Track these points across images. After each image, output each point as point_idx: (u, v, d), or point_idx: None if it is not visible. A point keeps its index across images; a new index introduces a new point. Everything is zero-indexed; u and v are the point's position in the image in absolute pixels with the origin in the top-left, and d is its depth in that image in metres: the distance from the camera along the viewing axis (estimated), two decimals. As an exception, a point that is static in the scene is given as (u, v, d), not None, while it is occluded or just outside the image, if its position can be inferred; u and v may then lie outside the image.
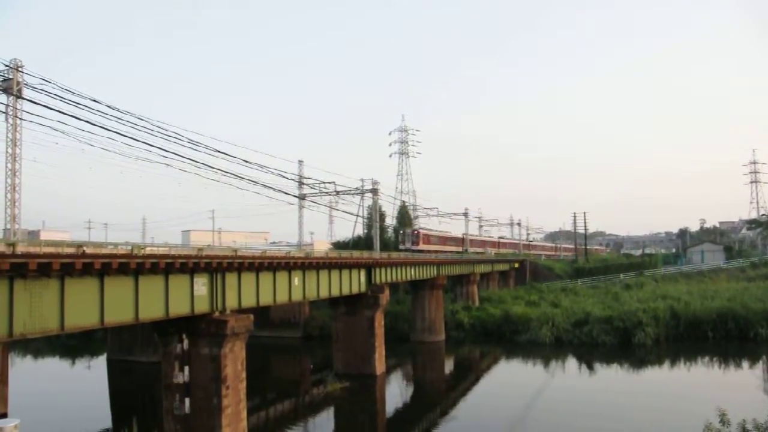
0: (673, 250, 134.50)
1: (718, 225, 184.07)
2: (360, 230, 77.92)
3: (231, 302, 27.67)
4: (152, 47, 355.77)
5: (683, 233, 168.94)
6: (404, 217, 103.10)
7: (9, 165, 21.04)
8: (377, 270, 45.24)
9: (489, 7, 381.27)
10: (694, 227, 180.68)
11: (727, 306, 57.52)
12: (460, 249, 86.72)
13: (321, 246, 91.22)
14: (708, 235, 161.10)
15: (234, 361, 26.61)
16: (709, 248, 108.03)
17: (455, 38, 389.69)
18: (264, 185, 34.81)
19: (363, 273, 43.26)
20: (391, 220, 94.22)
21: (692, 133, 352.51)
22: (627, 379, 44.33)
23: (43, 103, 20.54)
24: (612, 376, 45.69)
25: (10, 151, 20.76)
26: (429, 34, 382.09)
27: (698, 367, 48.44)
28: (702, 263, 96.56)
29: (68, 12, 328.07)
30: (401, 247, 71.84)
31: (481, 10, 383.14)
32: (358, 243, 75.22)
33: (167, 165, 26.18)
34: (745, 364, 48.16)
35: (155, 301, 23.24)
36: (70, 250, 20.30)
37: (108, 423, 34.77)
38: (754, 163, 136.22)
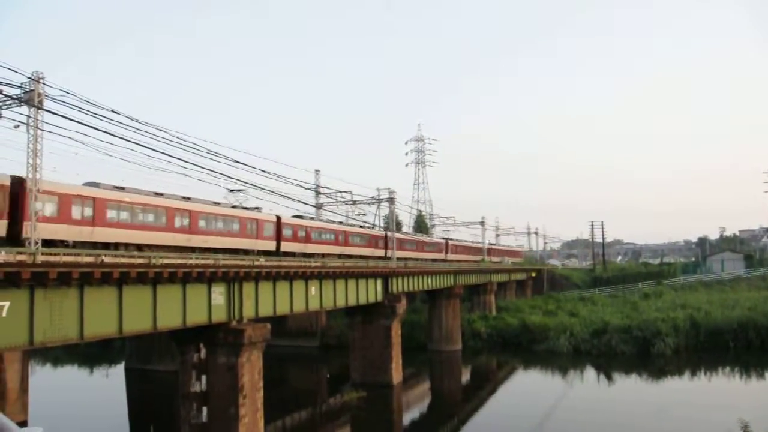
0: (693, 259, 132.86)
1: (738, 233, 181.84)
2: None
3: (248, 311, 27.77)
4: (155, 51, 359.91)
5: (702, 242, 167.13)
6: (421, 225, 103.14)
7: (30, 175, 21.28)
8: (394, 279, 45.20)
9: (506, 12, 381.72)
10: (714, 235, 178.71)
11: (748, 315, 56.68)
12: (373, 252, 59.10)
13: None
14: (728, 243, 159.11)
15: (251, 370, 26.67)
16: (729, 257, 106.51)
17: (471, 47, 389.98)
18: (282, 195, 34.87)
19: (380, 282, 43.24)
20: (407, 229, 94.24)
21: (712, 140, 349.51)
22: (646, 389, 43.83)
23: (64, 114, 20.78)
24: (631, 386, 45.21)
25: (31, 161, 21.01)
26: (445, 42, 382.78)
27: (719, 377, 47.82)
28: (722, 272, 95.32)
29: (67, 15, 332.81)
30: None
31: (497, 15, 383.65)
32: None
33: (186, 175, 26.30)
34: (768, 374, 47.51)
35: (173, 310, 23.39)
36: (89, 260, 20.53)
37: (126, 431, 34.97)
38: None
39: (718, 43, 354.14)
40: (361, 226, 57.86)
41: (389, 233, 59.97)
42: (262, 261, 32.26)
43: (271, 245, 40.82)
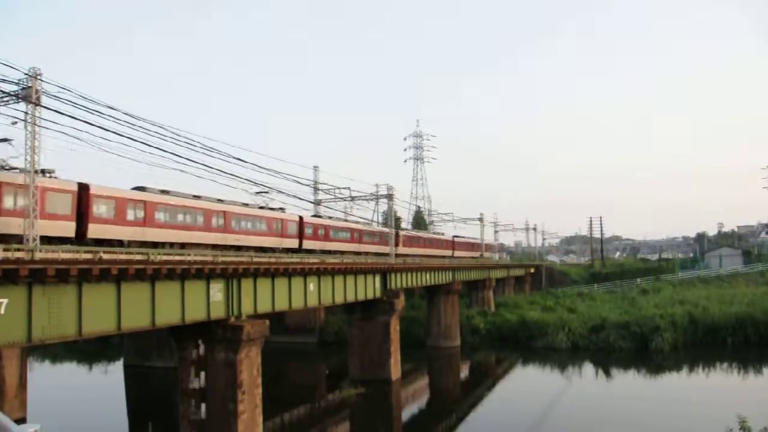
0: (691, 255, 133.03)
1: (736, 229, 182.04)
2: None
3: (247, 308, 27.76)
4: (156, 49, 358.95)
5: (701, 237, 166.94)
6: (419, 222, 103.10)
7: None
8: (392, 275, 45.19)
9: (507, 10, 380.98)
10: (712, 231, 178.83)
11: (746, 311, 56.77)
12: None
13: None
14: (726, 239, 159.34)
15: (250, 366, 26.67)
16: (727, 252, 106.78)
17: (470, 45, 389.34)
18: (279, 191, 34.78)
19: (378, 278, 43.23)
20: (406, 225, 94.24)
21: (710, 136, 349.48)
22: (644, 384, 43.90)
23: (61, 111, 20.71)
24: (629, 381, 45.31)
25: (29, 158, 20.96)
26: (446, 38, 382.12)
27: (717, 373, 47.87)
28: (720, 268, 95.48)
29: (67, 13, 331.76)
30: None
31: (498, 13, 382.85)
32: None
33: (182, 171, 26.20)
34: (766, 370, 47.54)
35: (171, 306, 23.36)
36: (87, 256, 20.50)
37: (125, 428, 34.98)
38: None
39: (717, 43, 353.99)
40: (261, 207, 42.63)
41: (308, 218, 47.78)
42: (261, 257, 32.18)
43: (65, 228, 26.98)
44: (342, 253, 50.50)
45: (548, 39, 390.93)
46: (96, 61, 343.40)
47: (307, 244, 46.47)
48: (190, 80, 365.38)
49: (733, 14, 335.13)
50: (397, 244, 61.55)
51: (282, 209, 44.35)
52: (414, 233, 72.68)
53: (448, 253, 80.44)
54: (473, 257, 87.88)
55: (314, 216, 50.17)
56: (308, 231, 46.92)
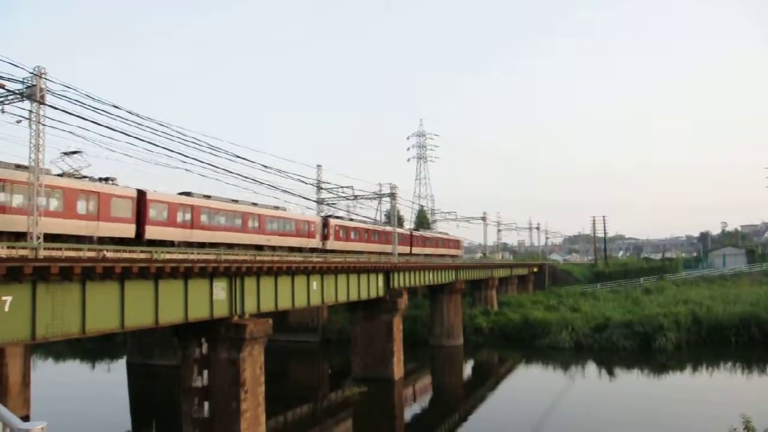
0: (694, 254, 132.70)
1: (739, 228, 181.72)
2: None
3: (250, 306, 27.76)
4: (153, 47, 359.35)
5: (704, 237, 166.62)
6: (422, 221, 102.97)
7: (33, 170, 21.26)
8: (395, 274, 45.16)
9: (507, 10, 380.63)
10: (716, 231, 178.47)
11: (750, 311, 56.58)
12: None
13: None
14: (729, 238, 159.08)
15: (253, 365, 26.68)
16: (731, 252, 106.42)
17: (471, 46, 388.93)
18: (283, 190, 34.71)
19: (381, 277, 43.20)
20: (409, 224, 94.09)
21: (712, 135, 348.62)
22: (648, 384, 43.82)
23: (65, 109, 20.73)
24: (633, 381, 45.16)
25: (33, 156, 20.98)
26: (445, 41, 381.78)
27: (721, 372, 47.75)
28: (724, 267, 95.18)
29: (66, 11, 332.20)
30: None
31: (498, 12, 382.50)
32: None
33: (187, 170, 26.24)
34: (770, 369, 47.44)
35: (175, 305, 23.38)
36: (91, 255, 20.52)
37: (128, 426, 34.98)
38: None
39: (717, 43, 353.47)
40: (60, 175, 28.48)
41: (159, 195, 33.31)
42: (264, 256, 32.16)
43: None
44: (229, 246, 37.55)
45: (548, 39, 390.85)
46: (95, 62, 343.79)
47: (155, 233, 32.59)
48: (189, 80, 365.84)
49: (733, 14, 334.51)
50: (326, 237, 52.23)
51: (110, 179, 31.12)
52: (351, 224, 57.36)
53: (404, 249, 65.48)
54: (441, 255, 76.92)
55: (182, 194, 35.92)
56: (155, 214, 32.84)
